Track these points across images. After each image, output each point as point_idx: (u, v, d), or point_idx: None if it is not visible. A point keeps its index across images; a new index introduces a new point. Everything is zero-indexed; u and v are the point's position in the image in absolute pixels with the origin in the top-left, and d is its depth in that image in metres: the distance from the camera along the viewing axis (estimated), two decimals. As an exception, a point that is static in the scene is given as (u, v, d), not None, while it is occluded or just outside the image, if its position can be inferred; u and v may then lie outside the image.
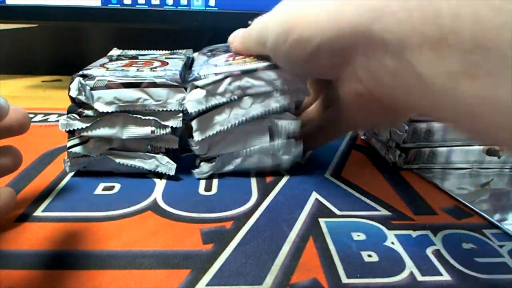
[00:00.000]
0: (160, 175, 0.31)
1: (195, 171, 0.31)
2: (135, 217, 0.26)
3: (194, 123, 0.29)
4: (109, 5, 0.51)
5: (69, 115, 0.29)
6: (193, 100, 0.28)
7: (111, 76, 0.29)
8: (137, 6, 0.51)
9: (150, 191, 0.29)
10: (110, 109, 0.28)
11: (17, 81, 0.60)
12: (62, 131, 0.29)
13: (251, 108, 0.29)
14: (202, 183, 0.30)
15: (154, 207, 0.27)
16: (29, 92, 0.56)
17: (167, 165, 0.30)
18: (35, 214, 0.26)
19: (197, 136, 0.29)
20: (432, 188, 0.31)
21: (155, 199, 0.28)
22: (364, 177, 0.32)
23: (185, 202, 0.28)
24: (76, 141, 0.30)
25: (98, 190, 0.29)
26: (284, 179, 0.31)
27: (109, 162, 0.30)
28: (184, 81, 0.30)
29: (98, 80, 0.28)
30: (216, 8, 0.51)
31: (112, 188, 0.29)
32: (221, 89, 0.28)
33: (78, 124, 0.29)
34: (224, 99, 0.28)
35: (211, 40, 0.47)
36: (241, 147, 0.30)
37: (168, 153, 0.31)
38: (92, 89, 0.28)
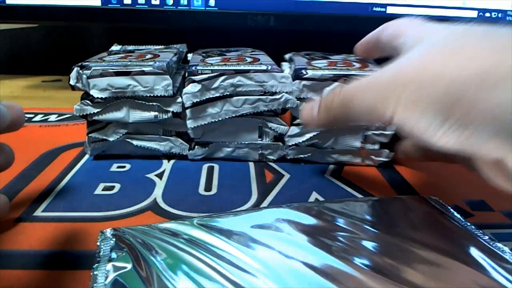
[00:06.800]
0: (169, 157, 0.34)
1: (189, 152, 0.34)
2: (135, 217, 0.26)
3: (188, 112, 0.32)
4: (109, 5, 0.51)
5: (83, 101, 0.32)
6: (189, 93, 0.31)
7: (105, 66, 0.31)
8: (137, 6, 0.51)
9: (150, 191, 0.29)
10: (104, 95, 0.31)
11: (17, 81, 0.60)
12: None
13: (242, 108, 0.32)
14: (202, 183, 0.30)
15: (154, 207, 0.27)
16: (29, 92, 0.56)
17: (181, 146, 0.33)
18: (35, 214, 0.26)
19: (190, 124, 0.32)
20: (432, 188, 0.31)
21: (155, 199, 0.28)
22: (364, 177, 0.32)
23: (185, 202, 0.28)
24: (95, 126, 0.33)
25: (98, 190, 0.29)
26: (284, 179, 0.31)
27: (126, 145, 0.33)
28: (176, 70, 0.33)
29: (93, 69, 0.31)
30: (216, 8, 0.51)
31: (112, 188, 0.29)
32: (215, 85, 0.31)
33: (90, 109, 0.32)
34: (217, 94, 0.31)
35: (211, 40, 0.47)
36: (232, 139, 0.34)
37: (181, 136, 0.34)
38: (88, 77, 0.31)
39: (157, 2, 0.51)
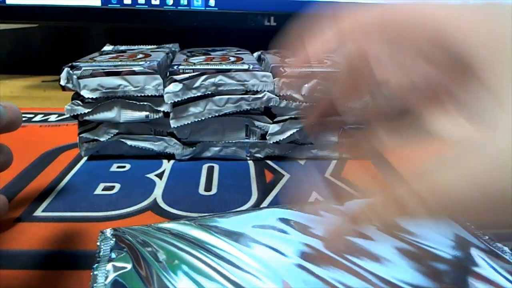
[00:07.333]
0: (168, 157, 0.34)
1: (176, 152, 0.33)
2: (135, 217, 0.26)
3: (171, 112, 0.32)
4: (109, 5, 0.51)
5: (73, 101, 0.31)
6: (171, 92, 0.31)
7: (96, 66, 0.31)
8: (137, 6, 0.51)
9: (150, 191, 0.29)
10: (95, 95, 0.31)
11: (17, 81, 0.60)
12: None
13: (225, 107, 0.32)
14: (202, 183, 0.30)
15: (154, 207, 0.27)
16: (29, 92, 0.56)
17: (175, 146, 0.33)
18: (35, 214, 0.26)
19: (173, 123, 0.32)
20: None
21: (155, 199, 0.28)
22: (364, 177, 0.32)
23: (185, 202, 0.28)
24: (86, 127, 0.33)
25: (98, 190, 0.29)
26: (284, 179, 0.31)
27: (121, 146, 0.33)
28: (165, 69, 0.33)
29: (84, 69, 0.31)
30: (216, 8, 0.51)
31: (112, 188, 0.29)
32: (197, 84, 0.31)
33: (81, 110, 0.31)
34: (199, 93, 0.31)
35: (211, 40, 0.47)
36: (220, 138, 0.34)
37: (175, 135, 0.33)
38: (79, 78, 0.31)
39: (157, 2, 0.51)
